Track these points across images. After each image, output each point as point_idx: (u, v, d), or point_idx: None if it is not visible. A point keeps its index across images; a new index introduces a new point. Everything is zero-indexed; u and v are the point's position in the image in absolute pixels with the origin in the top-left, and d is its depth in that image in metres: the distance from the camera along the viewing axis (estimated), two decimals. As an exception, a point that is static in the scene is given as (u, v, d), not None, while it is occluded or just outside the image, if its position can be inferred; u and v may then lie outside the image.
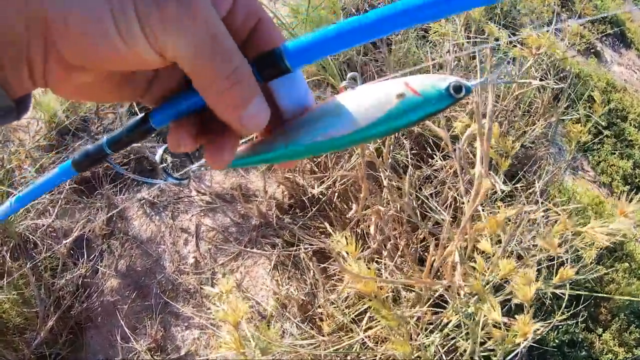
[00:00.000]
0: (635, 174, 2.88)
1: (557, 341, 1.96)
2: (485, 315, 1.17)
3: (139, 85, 0.40)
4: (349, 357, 1.67)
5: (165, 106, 0.39)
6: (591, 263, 2.17)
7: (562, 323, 2.01)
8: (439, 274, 1.60)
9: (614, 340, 2.05)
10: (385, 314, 1.21)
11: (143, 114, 0.40)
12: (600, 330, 2.08)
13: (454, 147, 1.40)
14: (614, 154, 2.94)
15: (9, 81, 0.33)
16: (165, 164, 0.49)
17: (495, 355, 1.26)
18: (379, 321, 1.71)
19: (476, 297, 1.35)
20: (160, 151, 0.49)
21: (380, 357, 1.67)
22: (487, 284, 1.26)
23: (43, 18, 0.30)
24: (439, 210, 1.56)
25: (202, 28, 0.31)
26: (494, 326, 1.21)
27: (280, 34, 0.39)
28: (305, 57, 0.36)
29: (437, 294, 1.77)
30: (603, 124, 3.00)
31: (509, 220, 1.32)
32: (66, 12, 0.30)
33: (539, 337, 1.98)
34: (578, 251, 1.55)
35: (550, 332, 1.98)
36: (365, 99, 0.40)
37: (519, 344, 1.19)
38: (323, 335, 1.70)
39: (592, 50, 3.78)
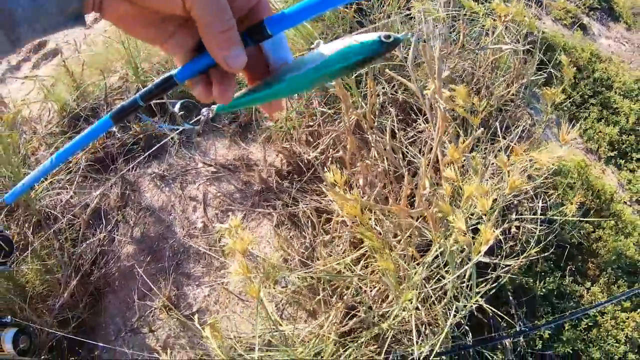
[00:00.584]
0: (622, 140, 2.97)
1: (544, 290, 2.05)
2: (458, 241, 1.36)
3: (165, 31, 0.53)
4: (345, 297, 1.85)
5: (184, 67, 0.54)
6: (575, 221, 2.31)
7: (548, 274, 2.13)
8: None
9: (602, 293, 2.13)
10: (370, 235, 1.39)
11: (168, 74, 0.54)
12: (588, 284, 2.16)
13: (423, 94, 1.59)
14: (600, 121, 3.03)
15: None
16: (181, 114, 0.69)
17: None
18: (373, 270, 1.90)
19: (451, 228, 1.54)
20: (178, 104, 0.68)
21: (373, 295, 1.85)
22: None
23: None
24: (419, 157, 1.75)
25: None
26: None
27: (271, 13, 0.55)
28: (280, 25, 0.52)
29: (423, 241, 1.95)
30: (589, 92, 3.12)
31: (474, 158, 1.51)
32: None
33: (526, 285, 2.13)
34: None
35: (536, 282, 2.08)
36: (328, 47, 0.57)
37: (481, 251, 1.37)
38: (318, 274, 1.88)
39: (578, 24, 3.86)
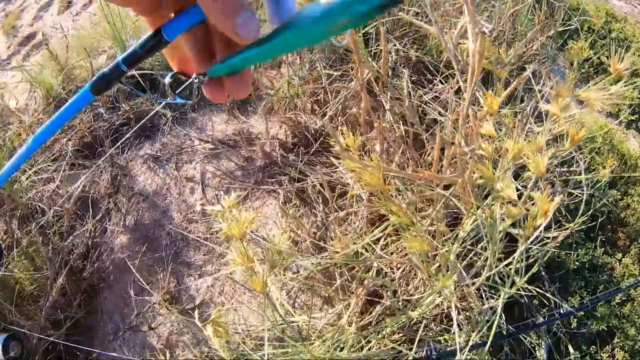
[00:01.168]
0: (642, 103, 2.76)
1: (577, 263, 1.90)
2: (501, 208, 1.11)
3: None
4: (366, 281, 1.62)
5: (174, 20, 0.44)
6: (604, 188, 2.11)
7: (580, 246, 1.95)
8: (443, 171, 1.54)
9: (634, 264, 1.99)
10: (396, 210, 1.15)
11: (155, 30, 0.43)
12: (619, 255, 2.02)
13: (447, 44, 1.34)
14: (617, 82, 2.85)
15: None
16: (171, 83, 0.52)
17: (516, 252, 1.20)
18: (392, 250, 1.66)
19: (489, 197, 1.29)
20: (168, 76, 0.52)
21: (398, 279, 1.62)
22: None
23: None
24: (444, 114, 1.51)
25: None
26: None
27: None
28: None
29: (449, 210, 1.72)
30: (606, 53, 2.91)
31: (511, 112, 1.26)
32: None
33: (559, 259, 1.93)
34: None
35: (569, 255, 1.92)
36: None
37: (539, 226, 1.13)
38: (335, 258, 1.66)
39: None
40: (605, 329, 1.78)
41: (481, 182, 1.12)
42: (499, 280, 1.39)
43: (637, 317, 1.86)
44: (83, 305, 1.95)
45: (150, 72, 1.98)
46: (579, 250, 1.93)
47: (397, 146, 1.65)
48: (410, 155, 1.70)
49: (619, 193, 2.19)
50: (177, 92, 0.51)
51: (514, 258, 1.29)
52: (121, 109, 2.21)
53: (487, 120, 1.01)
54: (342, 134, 1.14)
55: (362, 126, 1.47)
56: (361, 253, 1.66)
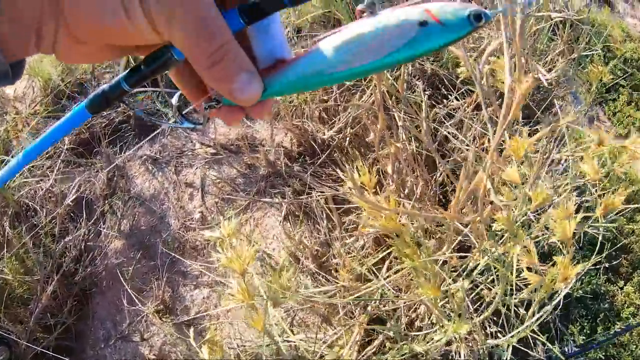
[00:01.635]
0: (652, 125, 2.72)
1: (580, 292, 1.85)
2: (518, 258, 1.03)
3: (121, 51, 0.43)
4: (369, 307, 1.55)
5: None
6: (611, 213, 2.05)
7: (584, 274, 1.89)
8: (463, 210, 1.46)
9: (635, 293, 1.94)
10: (410, 253, 1.07)
11: (162, 45, 0.39)
12: (621, 282, 1.97)
13: (474, 70, 1.24)
14: (630, 104, 2.76)
15: (9, 47, 0.36)
16: (179, 106, 0.47)
17: (529, 305, 1.13)
18: (398, 270, 1.59)
19: (504, 237, 1.21)
20: (176, 96, 0.47)
21: (403, 306, 1.55)
22: (516, 222, 1.12)
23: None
24: (460, 141, 1.42)
25: (190, 11, 0.35)
26: (528, 270, 1.07)
27: None
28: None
29: (459, 238, 1.64)
30: (619, 73, 2.82)
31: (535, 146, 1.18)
32: None
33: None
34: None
35: (575, 283, 1.86)
36: (386, 27, 0.40)
37: (556, 292, 1.05)
38: (340, 283, 1.58)
39: (606, 0, 3.55)
40: (603, 357, 1.75)
41: (500, 227, 1.04)
42: (507, 312, 1.32)
43: (634, 346, 1.83)
44: (74, 311, 1.88)
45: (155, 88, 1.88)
46: (583, 277, 1.88)
47: (407, 165, 1.57)
48: (421, 174, 1.62)
49: (624, 218, 2.11)
50: (184, 112, 0.47)
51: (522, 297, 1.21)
52: (121, 105, 2.12)
53: (510, 162, 0.92)
54: (352, 160, 1.06)
55: (376, 147, 1.39)
56: (366, 277, 1.58)
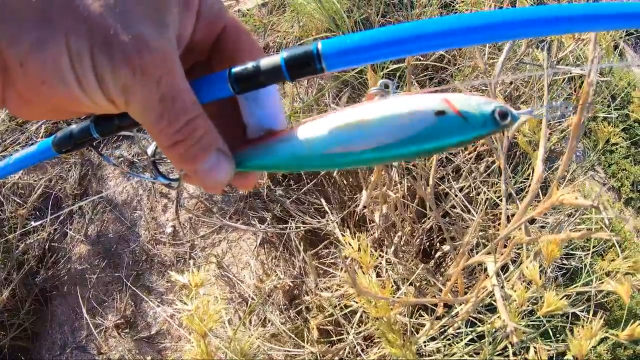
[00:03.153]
0: (646, 182, 2.67)
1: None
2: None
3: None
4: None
5: None
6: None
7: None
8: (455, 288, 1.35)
9: None
10: (392, 339, 0.96)
11: None
12: None
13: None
14: (627, 158, 2.72)
15: None
16: (153, 159, 0.42)
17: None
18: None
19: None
20: (152, 146, 0.42)
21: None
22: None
23: (2, 58, 0.30)
24: (454, 199, 1.31)
25: (151, 87, 0.31)
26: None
27: (248, 35, 0.39)
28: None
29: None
30: (620, 125, 2.74)
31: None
32: (23, 57, 0.30)
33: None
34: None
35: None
36: (399, 112, 0.35)
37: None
38: (310, 328, 1.49)
39: (616, 49, 3.41)
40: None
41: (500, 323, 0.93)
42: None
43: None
44: (32, 312, 1.79)
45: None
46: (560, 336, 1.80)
47: (395, 209, 1.46)
48: (410, 219, 1.51)
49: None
50: (160, 172, 0.42)
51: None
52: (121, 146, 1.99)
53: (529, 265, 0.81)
54: (335, 184, 0.95)
55: (368, 196, 1.27)
56: (337, 323, 1.49)
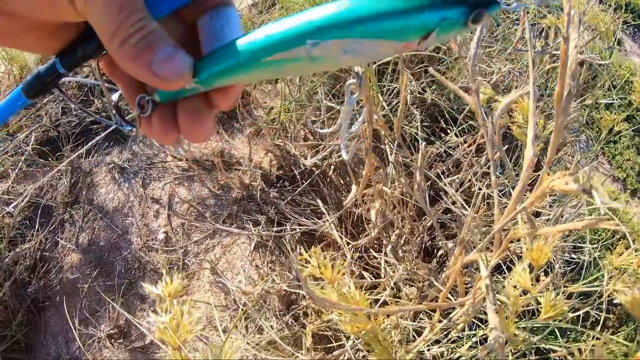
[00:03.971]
0: (652, 172, 2.61)
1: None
2: None
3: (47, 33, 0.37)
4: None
5: None
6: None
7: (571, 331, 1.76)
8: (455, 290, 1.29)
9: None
10: (379, 351, 0.90)
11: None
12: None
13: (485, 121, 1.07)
14: (631, 148, 2.68)
15: None
16: (117, 104, 0.43)
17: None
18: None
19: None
20: (117, 94, 0.42)
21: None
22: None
23: None
24: (453, 195, 1.25)
25: None
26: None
27: None
28: None
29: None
30: (622, 115, 2.69)
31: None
32: None
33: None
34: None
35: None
36: None
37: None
38: (306, 334, 1.43)
39: (614, 38, 3.37)
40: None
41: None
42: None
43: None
44: (25, 323, 1.74)
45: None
46: (570, 334, 1.73)
47: (393, 207, 1.40)
48: (409, 217, 1.45)
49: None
50: (124, 118, 0.42)
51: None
52: (94, 103, 1.95)
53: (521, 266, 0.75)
54: (332, 184, 0.90)
55: (360, 191, 1.21)
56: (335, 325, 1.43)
